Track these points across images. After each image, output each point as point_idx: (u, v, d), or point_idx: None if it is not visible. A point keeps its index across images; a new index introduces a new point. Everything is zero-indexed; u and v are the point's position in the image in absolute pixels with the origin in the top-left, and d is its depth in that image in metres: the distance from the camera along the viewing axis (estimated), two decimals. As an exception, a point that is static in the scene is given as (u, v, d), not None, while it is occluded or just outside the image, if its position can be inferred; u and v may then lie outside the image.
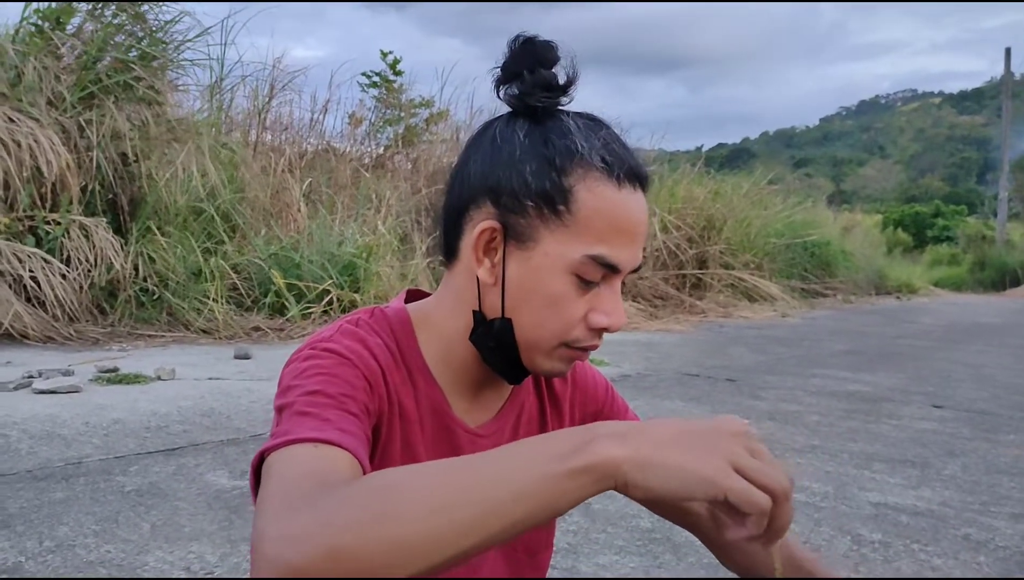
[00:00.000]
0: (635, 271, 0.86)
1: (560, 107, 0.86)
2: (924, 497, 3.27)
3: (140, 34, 7.72)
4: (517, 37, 0.83)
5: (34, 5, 7.25)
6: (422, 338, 0.91)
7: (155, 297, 6.70)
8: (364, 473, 0.71)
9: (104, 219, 6.75)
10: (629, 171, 0.83)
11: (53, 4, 7.30)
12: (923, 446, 4.10)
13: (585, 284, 0.82)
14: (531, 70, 0.82)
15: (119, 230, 6.93)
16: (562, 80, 0.84)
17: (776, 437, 4.11)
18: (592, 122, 0.85)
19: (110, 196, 7.14)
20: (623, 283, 0.87)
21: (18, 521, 2.55)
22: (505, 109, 0.88)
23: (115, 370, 4.88)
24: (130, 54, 7.59)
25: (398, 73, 11.01)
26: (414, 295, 0.98)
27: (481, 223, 0.84)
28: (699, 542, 1.03)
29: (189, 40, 8.06)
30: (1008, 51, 29.14)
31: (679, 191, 12.55)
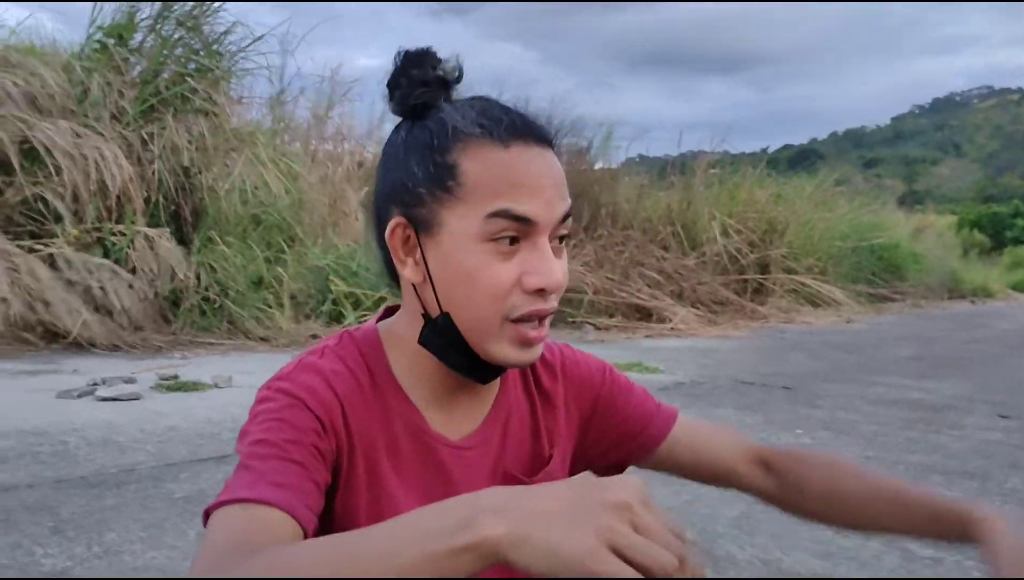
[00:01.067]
0: (564, 221, 0.83)
1: (442, 101, 0.87)
2: (982, 511, 3.15)
3: (197, 46, 7.93)
4: (397, 53, 0.86)
5: (99, 20, 7.50)
6: (392, 356, 0.90)
7: (216, 305, 6.86)
8: (301, 525, 0.72)
9: (167, 230, 6.95)
10: (511, 128, 0.82)
11: (118, 15, 7.53)
12: (985, 457, 3.96)
13: (505, 248, 0.81)
14: (407, 75, 0.85)
15: (182, 240, 7.13)
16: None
17: (830, 448, 4.01)
18: (470, 99, 0.87)
19: (173, 207, 7.36)
20: (561, 242, 0.85)
21: (69, 527, 2.63)
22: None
23: (175, 378, 5.02)
24: (188, 67, 7.80)
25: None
26: (391, 311, 0.97)
27: (389, 225, 0.85)
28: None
29: (243, 50, 8.25)
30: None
31: (740, 194, 12.37)
